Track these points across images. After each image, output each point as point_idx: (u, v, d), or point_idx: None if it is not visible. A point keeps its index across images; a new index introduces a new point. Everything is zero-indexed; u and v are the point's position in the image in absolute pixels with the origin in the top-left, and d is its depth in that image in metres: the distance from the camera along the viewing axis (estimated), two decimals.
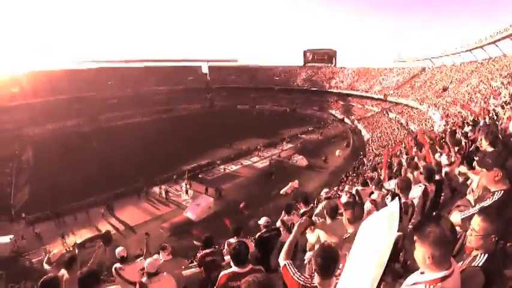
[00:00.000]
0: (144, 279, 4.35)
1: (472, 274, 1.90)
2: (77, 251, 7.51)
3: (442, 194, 5.45)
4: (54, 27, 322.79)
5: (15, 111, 53.26)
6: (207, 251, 5.48)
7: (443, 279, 1.64)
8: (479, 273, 1.89)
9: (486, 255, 1.97)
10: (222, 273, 3.56)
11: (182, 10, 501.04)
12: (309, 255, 4.22)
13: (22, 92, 56.48)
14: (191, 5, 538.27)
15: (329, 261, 2.30)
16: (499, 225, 1.98)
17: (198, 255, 5.80)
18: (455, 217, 2.82)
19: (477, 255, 2.02)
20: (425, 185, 4.90)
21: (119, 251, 5.50)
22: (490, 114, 13.89)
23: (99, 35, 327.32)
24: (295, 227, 3.18)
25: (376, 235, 1.81)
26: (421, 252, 1.70)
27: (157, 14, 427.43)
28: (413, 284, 1.80)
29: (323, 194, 8.09)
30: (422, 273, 1.79)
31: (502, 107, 15.00)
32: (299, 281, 2.55)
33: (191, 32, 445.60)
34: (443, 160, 6.97)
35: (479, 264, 1.95)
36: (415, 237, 1.76)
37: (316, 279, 2.40)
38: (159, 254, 5.41)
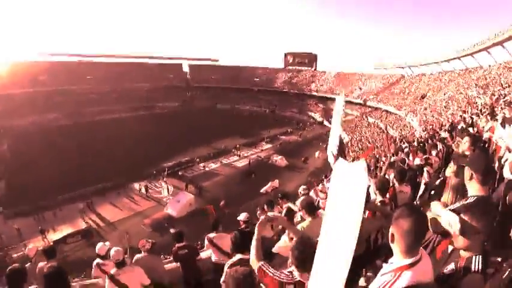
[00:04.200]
0: (113, 271, 4.30)
1: (474, 281, 1.90)
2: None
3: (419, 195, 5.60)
4: (35, 18, 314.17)
5: None
6: (180, 245, 5.58)
7: (411, 265, 1.71)
8: (481, 280, 1.89)
9: (480, 257, 1.96)
10: (228, 262, 3.55)
11: (165, 8, 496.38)
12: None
13: (1, 82, 54.81)
14: (175, 4, 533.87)
15: (306, 253, 2.19)
16: (484, 223, 1.95)
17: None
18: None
19: (470, 257, 1.98)
20: (394, 185, 5.02)
21: (99, 248, 5.47)
22: (467, 121, 14.30)
23: (82, 29, 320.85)
24: (256, 228, 2.96)
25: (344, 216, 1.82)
26: (395, 239, 1.76)
27: (140, 11, 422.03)
28: (383, 274, 1.82)
29: (301, 190, 8.06)
30: (391, 262, 1.83)
31: (478, 115, 15.42)
32: (280, 279, 2.37)
33: (173, 30, 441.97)
34: (417, 162, 7.21)
35: (478, 269, 1.92)
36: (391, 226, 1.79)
37: (296, 273, 2.32)
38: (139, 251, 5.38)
